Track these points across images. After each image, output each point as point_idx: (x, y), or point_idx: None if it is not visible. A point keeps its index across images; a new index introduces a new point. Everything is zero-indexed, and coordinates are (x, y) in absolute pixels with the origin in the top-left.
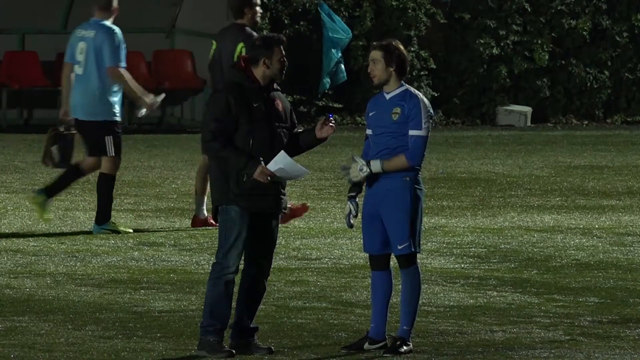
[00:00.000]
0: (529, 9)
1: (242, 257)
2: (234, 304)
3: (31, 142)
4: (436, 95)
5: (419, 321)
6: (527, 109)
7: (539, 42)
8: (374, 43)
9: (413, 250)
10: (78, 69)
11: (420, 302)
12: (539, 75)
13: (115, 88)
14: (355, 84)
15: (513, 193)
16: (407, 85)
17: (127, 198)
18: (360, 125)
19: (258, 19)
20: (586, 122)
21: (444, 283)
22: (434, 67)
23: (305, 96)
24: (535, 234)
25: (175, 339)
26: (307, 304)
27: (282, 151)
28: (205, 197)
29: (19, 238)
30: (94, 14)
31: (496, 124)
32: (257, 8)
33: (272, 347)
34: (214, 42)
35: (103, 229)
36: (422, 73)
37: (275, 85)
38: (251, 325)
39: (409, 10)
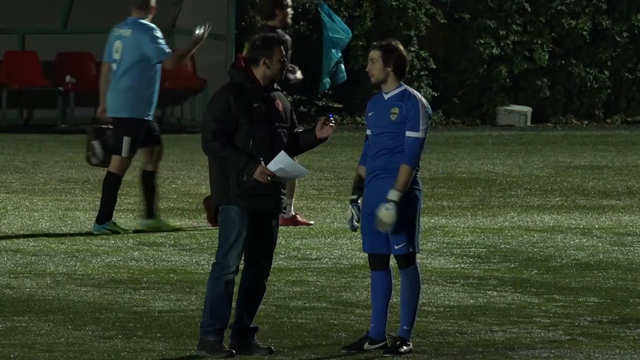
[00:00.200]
0: (529, 9)
1: (242, 257)
2: (234, 304)
3: (31, 142)
4: (436, 95)
5: (419, 321)
6: (527, 109)
7: (539, 42)
8: (374, 43)
9: (411, 250)
10: (114, 67)
11: (420, 302)
12: (539, 75)
13: (150, 87)
14: (355, 84)
15: (513, 193)
16: (405, 86)
17: (127, 198)
18: (360, 125)
19: (289, 20)
20: (586, 122)
21: (444, 283)
22: (434, 67)
23: (305, 96)
24: (535, 234)
25: (175, 339)
26: (307, 304)
27: (282, 151)
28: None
29: (19, 238)
30: (132, 13)
31: (496, 124)
32: (289, 10)
33: (272, 347)
34: (247, 44)
35: (103, 229)
36: (422, 73)
37: (275, 85)
38: (251, 325)
39: (409, 10)
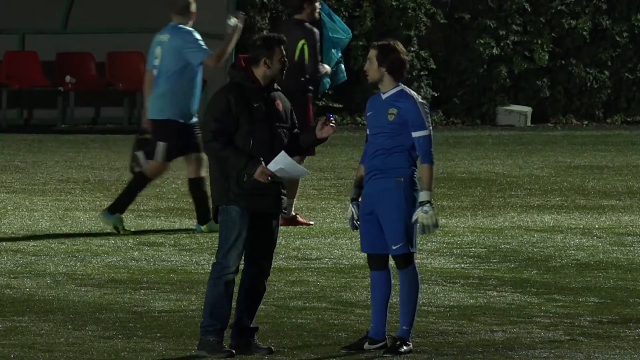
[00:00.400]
0: (529, 9)
1: (242, 257)
2: (234, 304)
3: (31, 142)
4: (436, 95)
5: (419, 321)
6: (527, 109)
7: (539, 42)
8: (373, 43)
9: (408, 250)
10: (155, 73)
11: (419, 302)
12: (539, 75)
13: (190, 91)
14: (355, 84)
15: (513, 193)
16: (402, 86)
17: None
18: (360, 125)
19: (317, 14)
20: (586, 122)
21: (444, 283)
22: (434, 67)
23: None
24: (535, 234)
25: (175, 339)
26: (307, 304)
27: (283, 151)
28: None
29: (19, 238)
30: (172, 19)
31: (496, 124)
32: (316, 4)
33: (272, 347)
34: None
35: (109, 219)
36: (422, 73)
37: (275, 85)
38: (251, 325)
39: (409, 10)
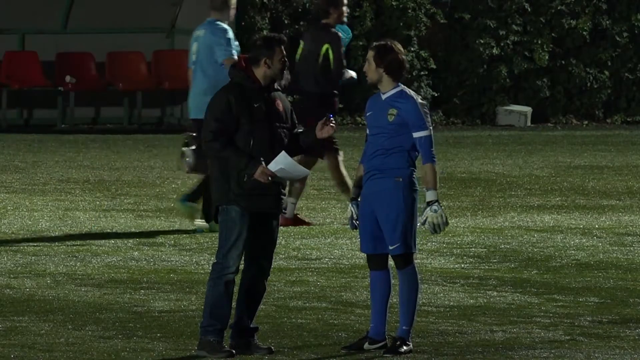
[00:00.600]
0: (529, 9)
1: (243, 257)
2: (234, 304)
3: (31, 142)
4: (436, 95)
5: (419, 321)
6: (527, 109)
7: (539, 42)
8: (373, 43)
9: (406, 251)
10: (193, 69)
11: (419, 302)
12: (539, 75)
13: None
14: (356, 84)
15: (513, 193)
16: (402, 86)
17: (127, 198)
18: (360, 125)
19: (345, 19)
20: (586, 122)
21: (444, 283)
22: (434, 67)
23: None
24: (535, 234)
25: (175, 339)
26: (307, 304)
27: (283, 151)
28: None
29: (19, 238)
30: (210, 14)
31: (496, 124)
32: (344, 8)
33: (272, 347)
34: (302, 42)
35: (186, 205)
36: (422, 73)
37: (275, 85)
38: (251, 325)
39: (409, 10)
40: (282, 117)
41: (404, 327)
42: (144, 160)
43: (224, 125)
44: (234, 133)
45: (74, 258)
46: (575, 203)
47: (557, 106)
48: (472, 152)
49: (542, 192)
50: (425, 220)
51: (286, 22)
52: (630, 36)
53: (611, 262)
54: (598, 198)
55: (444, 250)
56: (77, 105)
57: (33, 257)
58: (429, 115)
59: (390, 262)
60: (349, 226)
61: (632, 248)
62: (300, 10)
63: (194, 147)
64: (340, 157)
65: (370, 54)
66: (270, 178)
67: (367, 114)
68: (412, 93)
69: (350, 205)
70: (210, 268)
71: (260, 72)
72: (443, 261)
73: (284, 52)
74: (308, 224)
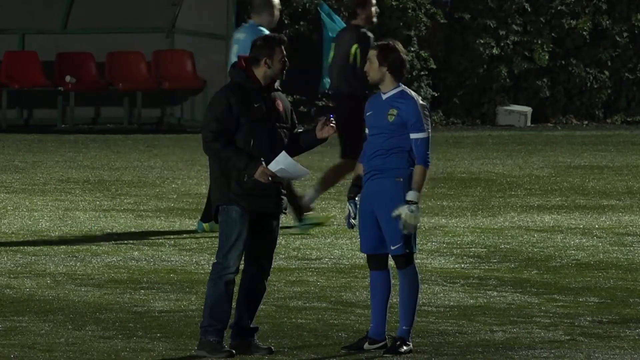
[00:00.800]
0: (529, 9)
1: (243, 257)
2: (234, 304)
3: (31, 142)
4: (436, 95)
5: (419, 321)
6: (527, 109)
7: (539, 42)
8: (375, 42)
9: (407, 251)
10: None
11: (419, 302)
12: (539, 75)
13: None
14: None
15: (513, 193)
16: (403, 87)
17: (127, 198)
18: None
19: (375, 19)
20: (586, 122)
21: (444, 283)
22: (434, 67)
23: (305, 96)
24: (535, 234)
25: (175, 339)
26: (307, 304)
27: (283, 151)
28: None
29: (19, 238)
30: (252, 17)
31: (496, 124)
32: (373, 9)
33: (272, 347)
34: (333, 44)
35: (306, 225)
36: (422, 73)
37: (276, 85)
38: (251, 325)
39: (409, 10)
40: (282, 117)
41: (404, 327)
42: (144, 160)
43: (224, 125)
44: (234, 133)
45: (74, 258)
46: (575, 203)
47: (557, 106)
48: (472, 152)
49: (542, 192)
50: (398, 216)
51: (286, 22)
52: (630, 36)
53: (611, 262)
54: (598, 198)
55: (444, 250)
56: (77, 105)
57: (33, 257)
58: (429, 118)
59: (390, 262)
60: (345, 224)
61: (632, 248)
62: (300, 10)
63: None
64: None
65: (373, 53)
66: (270, 178)
67: (367, 114)
68: (413, 94)
69: (348, 204)
70: (210, 268)
71: (260, 72)
72: (443, 261)
73: (284, 52)
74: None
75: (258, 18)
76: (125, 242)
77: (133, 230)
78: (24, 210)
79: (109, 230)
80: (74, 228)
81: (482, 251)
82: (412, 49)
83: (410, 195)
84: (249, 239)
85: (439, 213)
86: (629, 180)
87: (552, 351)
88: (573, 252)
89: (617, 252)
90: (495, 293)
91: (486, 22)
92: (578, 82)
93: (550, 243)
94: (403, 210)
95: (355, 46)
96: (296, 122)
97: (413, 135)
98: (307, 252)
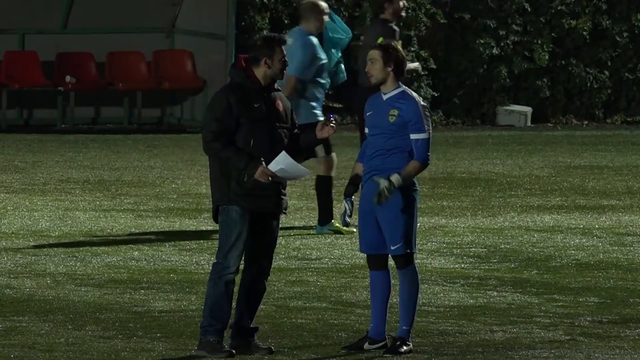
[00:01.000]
0: (529, 9)
1: (243, 257)
2: (234, 304)
3: (31, 142)
4: (436, 95)
5: (419, 321)
6: (527, 109)
7: (539, 42)
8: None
9: (407, 251)
10: None
11: (419, 302)
12: (539, 75)
13: (313, 90)
14: (355, 84)
15: (513, 193)
16: (404, 87)
17: (127, 198)
18: None
19: (403, 13)
20: (586, 122)
21: (444, 283)
22: (434, 67)
23: None
24: (535, 234)
25: (175, 339)
26: (307, 304)
27: (283, 151)
28: None
29: (19, 238)
30: (300, 23)
31: (496, 124)
32: (401, 3)
33: (272, 347)
34: (362, 38)
35: (326, 230)
36: (422, 73)
37: (276, 85)
38: (251, 325)
39: (409, 10)
40: (282, 117)
41: (404, 327)
42: (144, 160)
43: (224, 125)
44: (234, 133)
45: (74, 258)
46: (575, 203)
47: (557, 106)
48: (472, 152)
49: (542, 192)
50: (377, 183)
51: (286, 22)
52: (630, 36)
53: (611, 262)
54: (598, 198)
55: (444, 250)
56: (77, 105)
57: (33, 257)
58: (429, 119)
59: (390, 262)
60: (341, 222)
61: (632, 248)
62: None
63: None
64: None
65: (377, 53)
66: (270, 178)
67: (367, 114)
68: (414, 94)
69: (344, 201)
70: (211, 268)
71: (260, 72)
72: (443, 261)
73: (284, 52)
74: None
75: (305, 24)
76: (125, 242)
77: (133, 230)
78: (24, 210)
79: (109, 230)
80: (74, 228)
81: (482, 251)
82: (412, 49)
83: (394, 177)
84: (249, 239)
85: (439, 213)
86: (629, 180)
87: (552, 351)
88: (573, 252)
89: (617, 252)
90: (495, 293)
91: (486, 22)
92: (578, 82)
93: (550, 243)
94: (383, 184)
95: (381, 40)
96: (296, 122)
97: (414, 136)
98: (307, 252)
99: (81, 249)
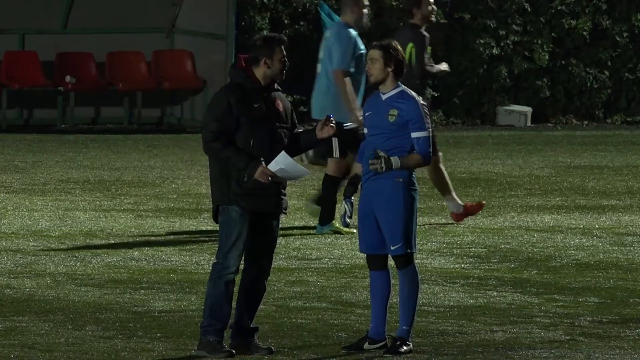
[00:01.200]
0: (529, 9)
1: (243, 257)
2: (234, 304)
3: (31, 142)
4: (436, 95)
5: (419, 321)
6: (527, 109)
7: (539, 42)
8: (374, 43)
9: (407, 251)
10: (319, 69)
11: (419, 302)
12: (539, 75)
13: (351, 86)
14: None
15: (513, 193)
16: (402, 87)
17: (127, 198)
18: None
19: (432, 18)
20: (586, 122)
21: (444, 283)
22: None
23: (305, 96)
24: (535, 234)
25: (175, 339)
26: (307, 304)
27: (283, 151)
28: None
29: (19, 238)
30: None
31: (496, 124)
32: (429, 7)
33: (272, 347)
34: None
35: (326, 230)
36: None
37: (275, 85)
38: (251, 326)
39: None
40: (282, 117)
41: (404, 327)
42: (144, 160)
43: (224, 125)
44: (234, 133)
45: (74, 258)
46: (575, 203)
47: (557, 106)
48: (472, 152)
49: (542, 192)
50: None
51: (286, 22)
52: (630, 36)
53: (611, 262)
54: (598, 198)
55: (444, 250)
56: (77, 105)
57: (33, 257)
58: (429, 117)
59: (390, 262)
60: (341, 222)
61: (632, 248)
62: (300, 10)
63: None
64: (440, 156)
65: (377, 53)
66: (270, 178)
67: (366, 114)
68: (413, 93)
69: (344, 202)
70: (211, 268)
71: (260, 72)
72: (443, 261)
73: (284, 52)
74: (478, 206)
75: (345, 16)
76: (125, 242)
77: (133, 230)
78: (24, 210)
79: (109, 230)
80: (74, 228)
81: (482, 251)
82: None
83: (394, 158)
84: (249, 239)
85: (439, 213)
86: (629, 180)
87: (552, 351)
88: (573, 252)
89: (617, 252)
90: (495, 293)
91: (486, 22)
92: (578, 82)
93: (550, 243)
94: (382, 154)
95: (410, 45)
96: (296, 122)
97: (415, 134)
98: (307, 252)
99: (81, 249)
